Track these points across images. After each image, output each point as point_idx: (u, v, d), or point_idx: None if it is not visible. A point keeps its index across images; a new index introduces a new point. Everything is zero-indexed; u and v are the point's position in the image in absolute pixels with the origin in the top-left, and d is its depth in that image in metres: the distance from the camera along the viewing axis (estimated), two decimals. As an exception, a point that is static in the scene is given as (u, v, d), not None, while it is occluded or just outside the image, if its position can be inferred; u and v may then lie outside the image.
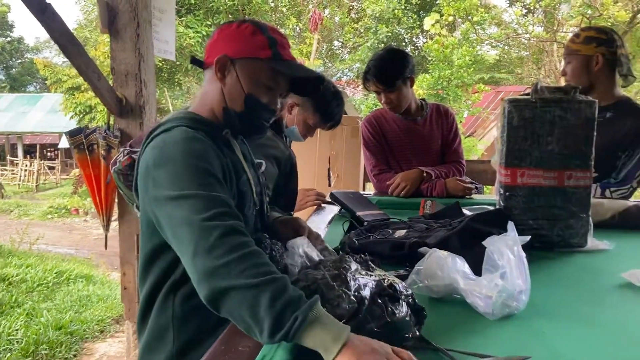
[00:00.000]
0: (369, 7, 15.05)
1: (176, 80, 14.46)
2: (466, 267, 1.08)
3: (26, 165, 19.82)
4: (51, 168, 21.47)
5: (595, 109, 1.48)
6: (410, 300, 0.95)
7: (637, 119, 2.13)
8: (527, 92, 1.54)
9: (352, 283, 0.94)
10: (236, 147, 1.29)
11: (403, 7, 15.05)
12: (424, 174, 2.49)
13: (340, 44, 18.65)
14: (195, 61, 1.29)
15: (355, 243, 1.44)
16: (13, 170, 20.61)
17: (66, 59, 2.89)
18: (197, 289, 0.94)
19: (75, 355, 4.37)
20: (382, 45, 13.47)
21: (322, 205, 2.33)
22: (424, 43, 13.14)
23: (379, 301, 0.89)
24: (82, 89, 12.94)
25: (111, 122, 3.06)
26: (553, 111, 1.47)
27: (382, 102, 2.54)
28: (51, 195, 16.41)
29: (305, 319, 0.83)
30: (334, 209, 2.18)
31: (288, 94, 1.36)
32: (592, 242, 1.54)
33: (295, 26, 16.23)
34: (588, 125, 1.48)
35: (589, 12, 11.10)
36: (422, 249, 1.32)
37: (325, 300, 0.90)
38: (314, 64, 13.53)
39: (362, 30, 16.45)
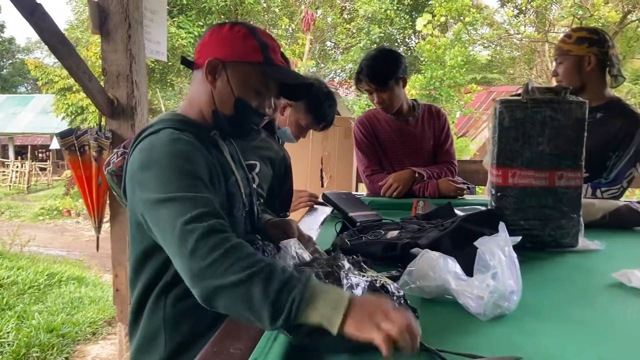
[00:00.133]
0: (362, 7, 15.07)
1: (168, 81, 14.42)
2: (458, 268, 1.08)
3: (17, 167, 19.65)
4: (42, 169, 21.33)
5: (585, 110, 1.49)
6: (402, 301, 0.95)
7: (627, 119, 2.14)
8: (518, 92, 1.55)
9: (344, 281, 0.94)
10: (224, 149, 1.29)
11: (395, 7, 15.07)
12: (416, 175, 2.49)
13: (333, 44, 18.67)
14: (185, 62, 1.29)
15: (347, 244, 1.43)
16: (4, 172, 20.41)
17: (57, 60, 2.86)
18: (192, 291, 0.95)
19: (67, 358, 4.35)
20: (375, 45, 13.47)
21: (315, 206, 2.33)
22: (417, 43, 13.15)
23: (371, 302, 0.89)
24: (74, 90, 12.86)
25: (103, 123, 3.04)
26: (544, 112, 1.48)
27: (375, 102, 2.55)
28: (42, 197, 16.30)
29: (302, 298, 0.84)
30: (327, 210, 2.18)
31: (278, 98, 1.36)
32: (583, 242, 1.55)
33: (287, 27, 16.21)
34: (579, 125, 1.49)
35: (580, 12, 11.17)
36: (414, 250, 1.32)
37: None
38: (306, 65, 13.53)
39: (354, 31, 16.47)
